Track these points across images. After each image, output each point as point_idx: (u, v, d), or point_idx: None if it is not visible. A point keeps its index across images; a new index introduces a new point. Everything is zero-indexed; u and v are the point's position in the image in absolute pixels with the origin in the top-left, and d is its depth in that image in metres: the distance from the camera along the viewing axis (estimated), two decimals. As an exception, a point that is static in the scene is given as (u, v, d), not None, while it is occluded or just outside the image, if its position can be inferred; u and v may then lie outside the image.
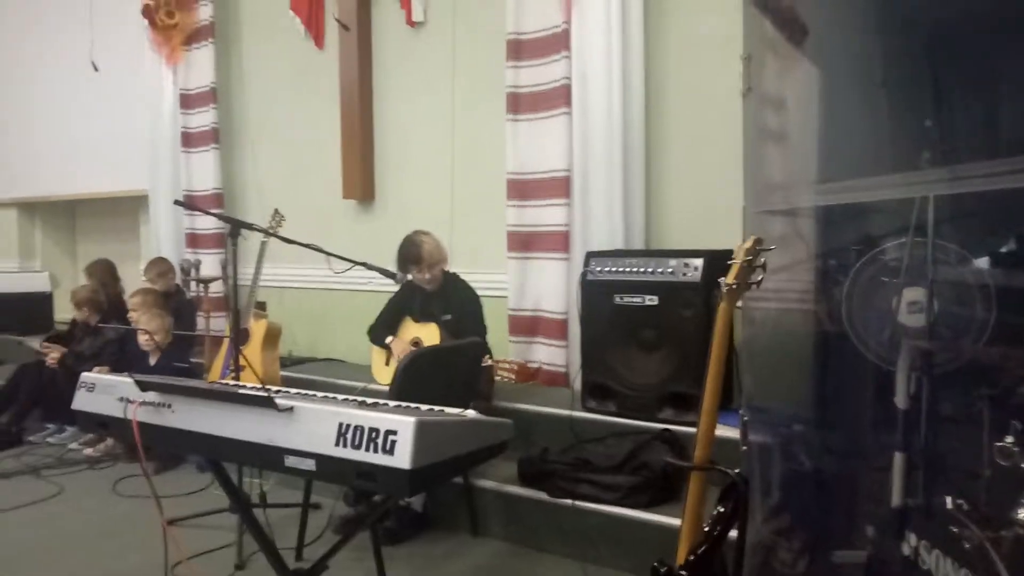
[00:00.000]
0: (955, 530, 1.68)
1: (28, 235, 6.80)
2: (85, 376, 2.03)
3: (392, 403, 1.84)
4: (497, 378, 3.12)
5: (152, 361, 3.97)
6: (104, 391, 1.97)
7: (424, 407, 1.86)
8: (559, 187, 3.75)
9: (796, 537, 2.40)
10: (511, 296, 3.94)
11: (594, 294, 3.22)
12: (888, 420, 2.12)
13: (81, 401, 2.01)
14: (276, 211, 3.98)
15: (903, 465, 2.08)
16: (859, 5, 2.23)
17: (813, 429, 2.45)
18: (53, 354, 4.33)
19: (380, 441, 1.53)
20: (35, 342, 4.87)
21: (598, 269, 3.23)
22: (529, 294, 3.91)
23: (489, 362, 3.07)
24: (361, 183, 4.60)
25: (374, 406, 1.71)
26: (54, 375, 4.25)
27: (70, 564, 2.82)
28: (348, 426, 1.58)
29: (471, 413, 1.76)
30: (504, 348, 3.89)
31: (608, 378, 3.19)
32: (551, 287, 3.80)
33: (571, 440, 3.15)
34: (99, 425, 1.96)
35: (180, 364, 3.98)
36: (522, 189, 3.88)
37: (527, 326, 3.91)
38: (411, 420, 1.52)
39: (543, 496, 2.88)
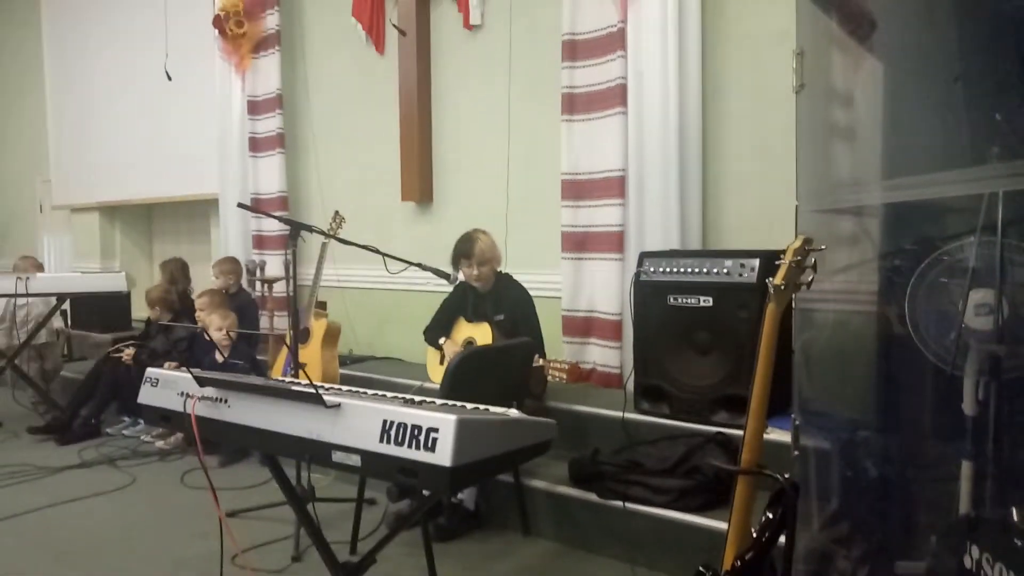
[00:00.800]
0: (1019, 543, 1.60)
1: (108, 237, 7.14)
2: (150, 371, 2.12)
3: (438, 401, 1.87)
4: (549, 378, 3.11)
5: (221, 358, 4.12)
6: (166, 386, 2.06)
7: (469, 406, 1.88)
8: (614, 187, 3.73)
9: (856, 546, 2.33)
10: (565, 296, 3.94)
11: (647, 295, 3.20)
12: (955, 427, 2.03)
13: (146, 395, 2.11)
14: (337, 213, 4.08)
15: (970, 474, 2.00)
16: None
17: (875, 435, 2.37)
18: (127, 351, 4.55)
19: (422, 438, 1.56)
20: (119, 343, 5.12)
21: (652, 269, 3.20)
22: (583, 295, 3.90)
23: (540, 362, 3.07)
24: (419, 185, 4.67)
25: (419, 404, 1.74)
26: (129, 370, 4.46)
27: (139, 550, 2.95)
28: (392, 423, 1.61)
29: (514, 412, 1.77)
30: (558, 349, 3.89)
31: (662, 380, 3.16)
32: (605, 288, 3.79)
33: (623, 442, 3.12)
34: (162, 418, 2.05)
35: (249, 360, 4.12)
36: (577, 189, 3.87)
37: (581, 327, 3.91)
38: (452, 418, 1.54)
39: (593, 497, 2.87)
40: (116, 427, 4.61)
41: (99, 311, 5.72)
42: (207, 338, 4.39)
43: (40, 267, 5.36)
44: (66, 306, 5.27)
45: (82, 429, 4.48)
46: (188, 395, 1.97)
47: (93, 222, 7.14)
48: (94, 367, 4.74)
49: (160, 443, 4.32)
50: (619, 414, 3.20)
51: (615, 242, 3.73)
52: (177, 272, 5.20)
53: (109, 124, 6.82)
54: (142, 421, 4.54)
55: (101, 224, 7.11)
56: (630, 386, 3.32)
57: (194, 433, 1.93)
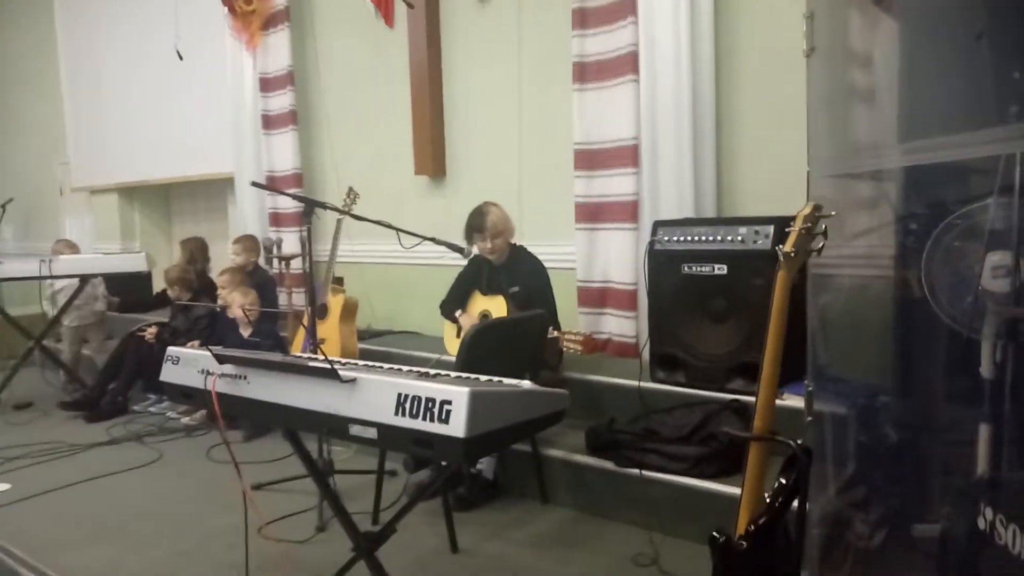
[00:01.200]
0: (1033, 505, 1.61)
1: (128, 218, 7.23)
2: (171, 350, 2.17)
3: (453, 374, 1.90)
4: (565, 350, 3.13)
5: (246, 334, 4.18)
6: (187, 364, 2.10)
7: (483, 378, 1.90)
8: (627, 156, 3.71)
9: (872, 509, 2.34)
10: (579, 268, 3.94)
11: (662, 264, 3.20)
12: (973, 391, 2.03)
13: (168, 373, 2.16)
14: (351, 189, 4.10)
15: (988, 437, 1.99)
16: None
17: (892, 400, 2.37)
18: (151, 329, 4.63)
19: (436, 411, 1.59)
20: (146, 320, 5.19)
21: (666, 238, 3.19)
22: (597, 265, 3.91)
23: (555, 334, 3.09)
24: (432, 159, 4.67)
25: (434, 377, 1.77)
26: (152, 349, 4.54)
27: (168, 524, 3.04)
28: (407, 396, 1.64)
29: (527, 384, 1.79)
30: (573, 320, 3.90)
31: (677, 349, 3.17)
32: (620, 258, 3.79)
33: (639, 411, 3.15)
34: (184, 396, 2.10)
35: (272, 337, 4.19)
36: (589, 159, 3.86)
37: (596, 297, 3.92)
38: (465, 391, 1.57)
39: (610, 465, 2.91)
40: (143, 404, 4.71)
41: (121, 291, 5.80)
42: (228, 316, 4.46)
43: (75, 248, 5.45)
44: (100, 288, 5.34)
45: (110, 407, 4.58)
46: (208, 372, 2.02)
47: (112, 204, 7.23)
48: (119, 346, 4.83)
49: (186, 419, 4.41)
50: (635, 383, 3.22)
51: (629, 212, 3.72)
52: (197, 251, 5.27)
53: (124, 105, 6.87)
54: (167, 398, 4.63)
55: (120, 205, 7.19)
56: (646, 355, 3.33)
57: (215, 409, 1.98)
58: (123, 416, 4.57)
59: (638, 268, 3.66)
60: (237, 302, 4.16)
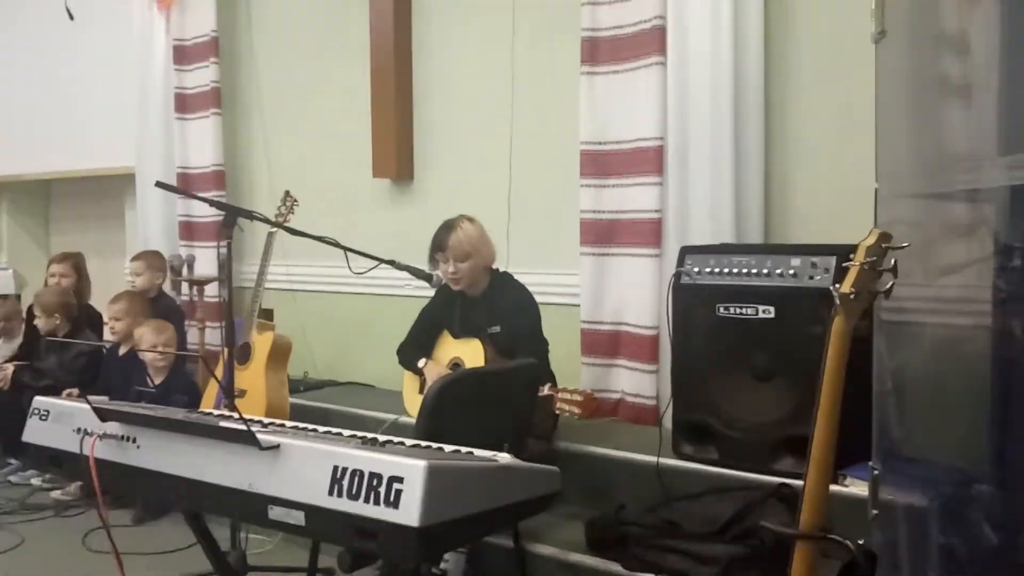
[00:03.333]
0: None
1: None
2: (39, 401, 2.18)
3: (408, 442, 1.91)
4: (561, 412, 3.14)
5: (157, 380, 4.19)
6: (59, 420, 2.12)
7: (448, 448, 1.91)
8: (649, 161, 3.75)
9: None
10: (585, 304, 3.97)
11: (690, 302, 3.22)
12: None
13: (33, 432, 2.17)
14: (287, 194, 4.14)
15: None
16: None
17: (992, 489, 2.38)
18: (6, 367, 4.61)
19: (383, 490, 1.60)
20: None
21: (696, 270, 3.22)
22: (608, 301, 3.93)
23: (548, 391, 3.10)
24: (396, 158, 4.72)
25: (383, 446, 1.78)
26: (15, 398, 4.50)
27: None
28: (345, 470, 1.66)
29: (504, 457, 1.81)
30: (573, 373, 3.92)
31: (708, 415, 3.18)
32: (637, 292, 3.81)
33: (657, 496, 3.14)
34: (51, 461, 2.11)
35: (190, 388, 4.21)
36: (601, 163, 3.90)
37: (605, 344, 3.94)
38: (421, 464, 1.58)
39: (618, 568, 2.89)
40: (0, 472, 4.67)
41: None
42: (119, 356, 4.44)
43: None
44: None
45: None
46: (87, 432, 2.03)
47: (-29, 204, 7.24)
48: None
49: (57, 493, 4.38)
50: (652, 459, 3.23)
51: (650, 233, 3.76)
52: (83, 270, 5.28)
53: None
54: (30, 465, 4.60)
55: (-19, 207, 7.21)
56: (667, 423, 3.34)
57: (94, 482, 1.98)
58: None
59: (660, 307, 3.68)
60: (148, 341, 4.17)
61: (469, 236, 3.50)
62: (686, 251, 3.31)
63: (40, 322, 4.77)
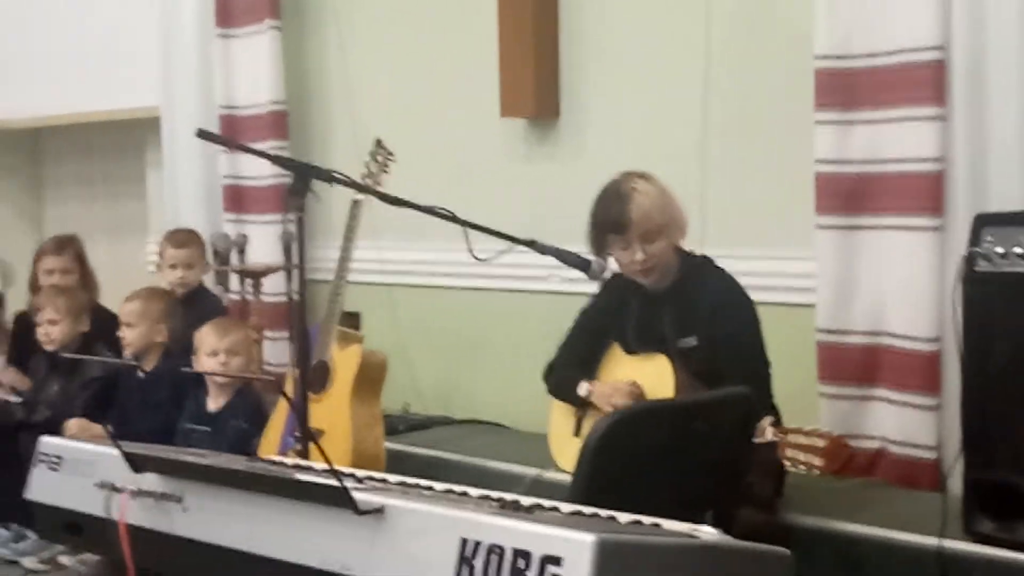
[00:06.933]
0: None
1: None
2: (46, 444, 2.33)
3: (564, 506, 1.96)
4: (790, 467, 3.14)
5: (214, 406, 4.32)
6: (75, 469, 2.26)
7: (623, 517, 1.94)
8: (923, 83, 3.71)
9: None
10: (823, 303, 3.96)
11: (992, 301, 3.18)
12: None
13: (40, 486, 2.32)
14: (379, 145, 4.23)
15: None
16: None
17: None
18: None
19: (532, 574, 1.66)
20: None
21: (1000, 250, 3.18)
22: (860, 299, 3.91)
23: (771, 435, 3.10)
24: (535, 87, 4.76)
25: (527, 511, 1.84)
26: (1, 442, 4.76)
27: None
28: (478, 545, 1.73)
29: (708, 532, 1.84)
30: (809, 407, 3.91)
31: (1019, 474, 3.14)
32: (906, 285, 3.79)
33: (939, 596, 3.13)
34: (66, 529, 2.25)
35: (255, 416, 4.32)
36: (847, 88, 3.88)
37: (856, 364, 3.92)
38: (588, 540, 1.64)
39: None
40: None
41: None
42: (141, 377, 4.62)
43: None
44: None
45: None
46: (114, 487, 2.15)
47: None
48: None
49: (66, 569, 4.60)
50: (933, 541, 3.20)
51: (925, 193, 3.72)
52: (83, 258, 5.46)
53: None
54: (30, 533, 4.84)
55: (-49, 168, 7.59)
56: (955, 486, 3.30)
57: (125, 557, 2.11)
58: None
59: (943, 308, 3.64)
60: (210, 347, 4.32)
61: (655, 202, 3.49)
62: (983, 221, 3.27)
63: (56, 331, 4.89)
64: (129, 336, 4.60)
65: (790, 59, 4.09)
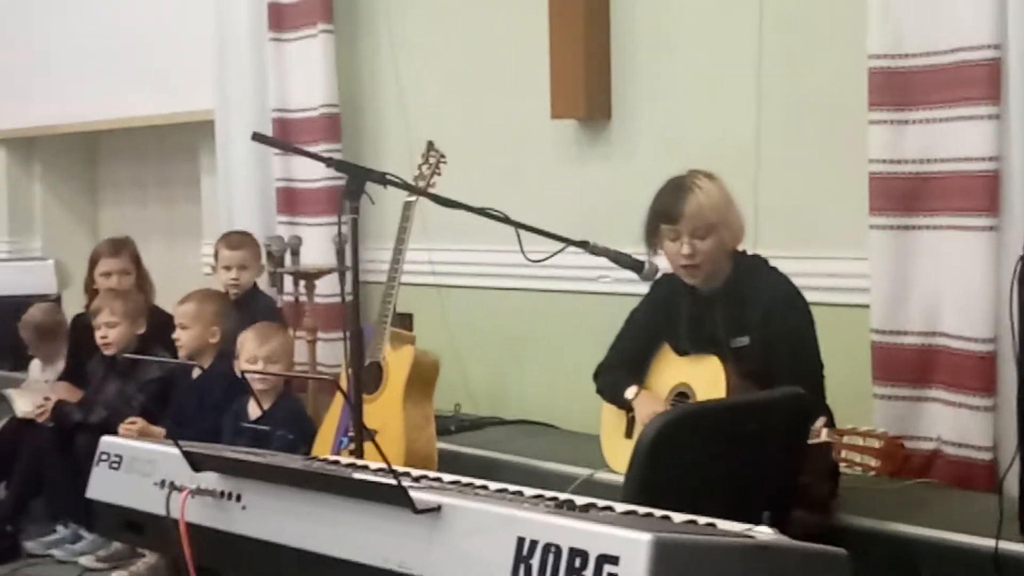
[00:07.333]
0: None
1: (22, 193, 7.66)
2: (107, 443, 2.35)
3: (618, 506, 1.96)
4: (845, 468, 3.13)
5: (255, 414, 4.35)
6: (136, 468, 2.29)
7: (678, 518, 1.94)
8: (978, 81, 3.69)
9: None
10: (877, 304, 3.94)
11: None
12: None
13: (101, 485, 2.34)
14: (431, 147, 4.26)
15: None
16: None
17: None
18: (39, 404, 4.89)
19: (589, 573, 1.67)
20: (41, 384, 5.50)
21: (1057, 250, 3.15)
22: (915, 299, 3.89)
23: (825, 436, 3.09)
24: (586, 89, 4.76)
25: (583, 511, 1.84)
26: (59, 443, 4.82)
27: None
28: (535, 544, 1.74)
29: (764, 532, 1.84)
30: (863, 408, 3.90)
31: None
32: (961, 285, 3.76)
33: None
34: (127, 527, 2.28)
35: (298, 421, 4.35)
36: (901, 87, 3.86)
37: (911, 365, 3.91)
38: (645, 539, 1.65)
39: None
40: (41, 541, 4.97)
41: (6, 332, 6.11)
42: (195, 379, 4.68)
43: None
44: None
45: None
46: (175, 486, 2.18)
47: (-6, 165, 7.71)
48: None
49: (118, 573, 4.61)
50: (989, 544, 3.18)
51: (981, 192, 3.70)
52: (139, 260, 5.51)
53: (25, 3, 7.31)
54: (85, 532, 4.89)
55: (9, 170, 7.66)
56: (1012, 487, 3.28)
57: (186, 554, 2.13)
58: (10, 563, 4.84)
59: (999, 308, 3.61)
60: (249, 352, 4.36)
61: (713, 201, 3.49)
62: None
63: (113, 333, 4.95)
64: (183, 338, 4.67)
65: (843, 58, 4.08)
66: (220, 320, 4.70)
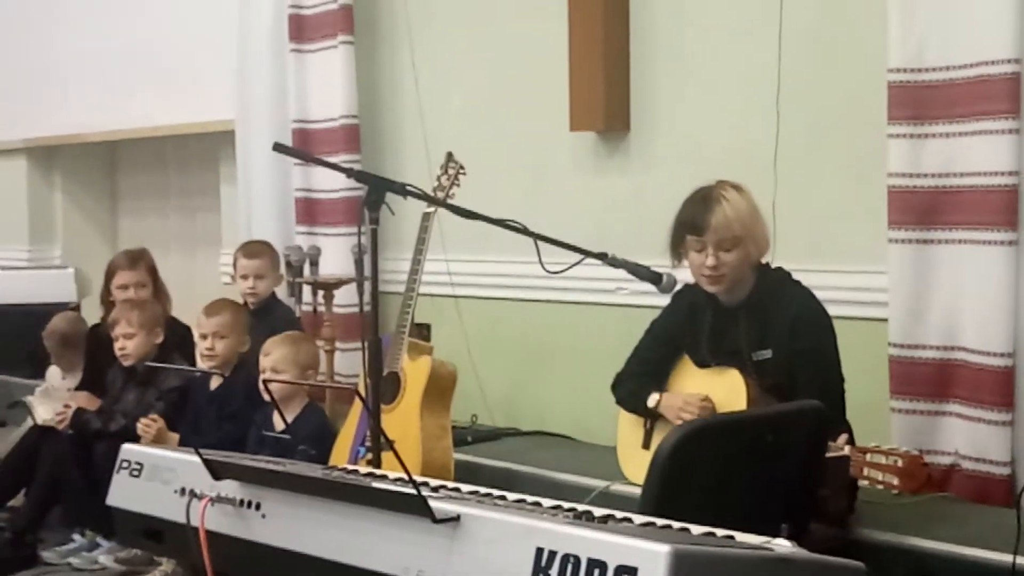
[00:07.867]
0: None
1: (43, 202, 7.72)
2: (128, 450, 2.37)
3: (636, 518, 1.95)
4: (864, 482, 3.12)
5: (280, 425, 4.30)
6: (156, 475, 2.30)
7: (697, 529, 1.94)
8: (998, 96, 3.69)
9: None
10: (896, 317, 3.94)
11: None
12: None
13: (122, 492, 2.35)
14: (450, 158, 4.27)
15: None
16: None
17: None
18: (59, 412, 4.92)
19: (607, 585, 1.67)
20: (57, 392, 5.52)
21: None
22: (934, 313, 3.89)
23: (845, 449, 3.09)
24: (605, 101, 4.78)
25: (601, 522, 1.84)
26: (78, 451, 4.83)
27: None
28: (553, 555, 1.74)
29: (783, 545, 1.83)
30: (880, 422, 3.89)
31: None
32: (980, 299, 3.76)
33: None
34: (146, 534, 2.29)
35: (319, 433, 4.36)
36: (921, 101, 3.87)
37: (930, 379, 3.90)
38: (663, 550, 1.64)
39: None
40: (60, 548, 4.97)
41: (26, 340, 6.13)
42: (212, 388, 4.70)
43: None
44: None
45: (9, 553, 4.86)
46: (195, 494, 2.19)
47: (17, 175, 7.74)
48: (18, 445, 5.18)
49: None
50: (1007, 559, 3.17)
51: (999, 207, 3.70)
52: (156, 271, 5.54)
53: (48, 10, 7.36)
54: (103, 540, 4.91)
55: (30, 179, 7.71)
56: (1030, 502, 3.27)
57: (204, 562, 2.14)
58: (28, 569, 4.85)
59: (1017, 322, 3.62)
60: (273, 362, 4.37)
61: (740, 213, 3.48)
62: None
63: (131, 344, 4.97)
64: (219, 347, 4.67)
65: (863, 72, 4.09)
66: (248, 329, 4.73)
